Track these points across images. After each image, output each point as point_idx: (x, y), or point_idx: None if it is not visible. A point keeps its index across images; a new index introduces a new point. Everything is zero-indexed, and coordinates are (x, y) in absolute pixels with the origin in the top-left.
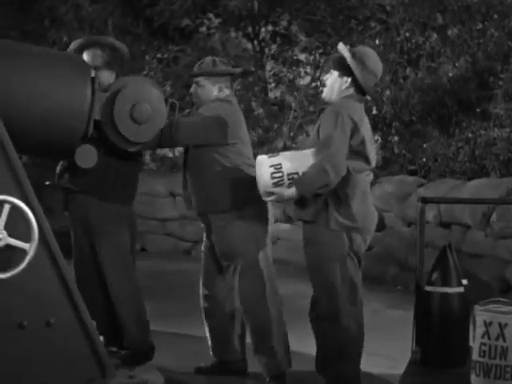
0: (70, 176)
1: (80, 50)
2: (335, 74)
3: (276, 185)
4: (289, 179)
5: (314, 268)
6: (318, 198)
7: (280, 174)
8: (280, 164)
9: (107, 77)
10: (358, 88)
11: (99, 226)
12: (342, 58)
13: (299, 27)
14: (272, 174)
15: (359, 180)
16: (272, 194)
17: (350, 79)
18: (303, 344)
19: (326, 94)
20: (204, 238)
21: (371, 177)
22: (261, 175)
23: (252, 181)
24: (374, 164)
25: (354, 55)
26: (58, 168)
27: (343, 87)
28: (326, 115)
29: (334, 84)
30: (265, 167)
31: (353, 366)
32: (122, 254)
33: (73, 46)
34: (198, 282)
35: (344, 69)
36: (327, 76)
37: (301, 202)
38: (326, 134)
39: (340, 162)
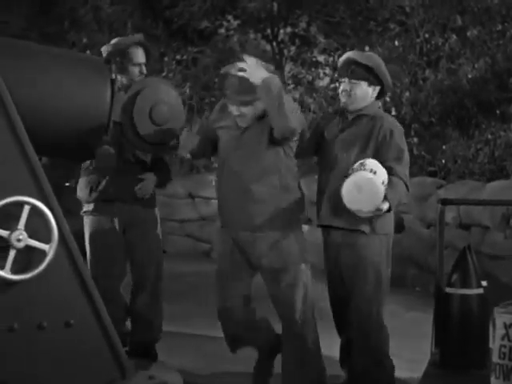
0: (116, 189)
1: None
2: (364, 83)
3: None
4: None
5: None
6: None
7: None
8: (383, 179)
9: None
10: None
11: (147, 231)
12: (368, 67)
13: (318, 29)
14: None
15: None
16: (379, 209)
17: (378, 87)
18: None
19: (357, 104)
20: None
21: None
22: (377, 193)
23: None
24: None
25: (379, 64)
26: (103, 183)
27: (374, 95)
28: (392, 130)
29: (365, 94)
30: (378, 184)
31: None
32: (161, 254)
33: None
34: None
35: (372, 78)
36: (350, 87)
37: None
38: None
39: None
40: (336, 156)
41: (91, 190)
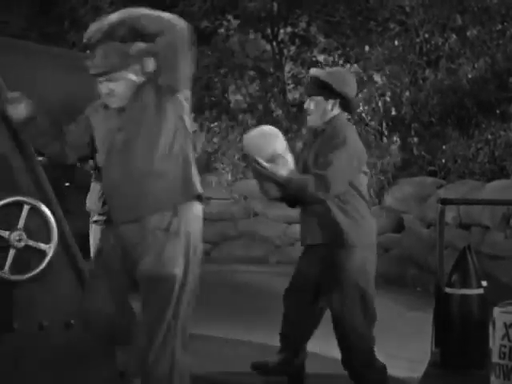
0: None
1: None
2: (319, 98)
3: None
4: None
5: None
6: None
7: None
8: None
9: None
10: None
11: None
12: (324, 83)
13: (318, 28)
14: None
15: None
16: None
17: (337, 101)
18: (323, 344)
19: (316, 119)
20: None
21: None
22: (276, 136)
23: None
24: None
25: (336, 78)
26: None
27: (335, 109)
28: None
29: (321, 109)
30: (280, 135)
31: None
32: None
33: None
34: (218, 283)
35: (328, 92)
36: (308, 103)
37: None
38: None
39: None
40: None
41: (104, 204)
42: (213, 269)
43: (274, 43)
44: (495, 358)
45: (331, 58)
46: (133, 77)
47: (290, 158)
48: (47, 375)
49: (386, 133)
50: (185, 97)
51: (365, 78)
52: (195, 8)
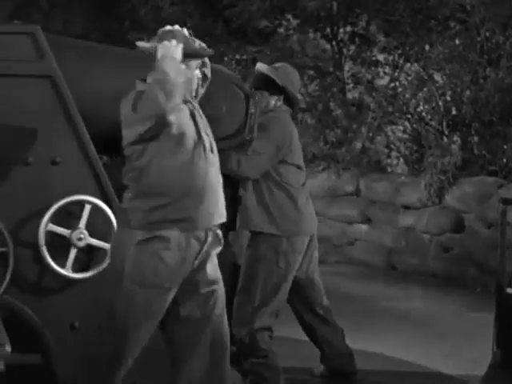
0: None
1: None
2: (264, 93)
3: None
4: None
5: None
6: None
7: None
8: None
9: None
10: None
11: None
12: (269, 78)
13: (378, 27)
14: None
15: None
16: None
17: (281, 97)
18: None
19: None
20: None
21: None
22: None
23: None
24: None
25: (281, 74)
26: None
27: (278, 104)
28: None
29: (267, 104)
30: None
31: None
32: None
33: None
34: None
35: (273, 88)
36: None
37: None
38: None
39: None
40: None
41: None
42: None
43: (334, 42)
44: None
45: (391, 57)
46: None
47: None
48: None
49: (446, 132)
50: None
51: (425, 77)
52: (254, 7)
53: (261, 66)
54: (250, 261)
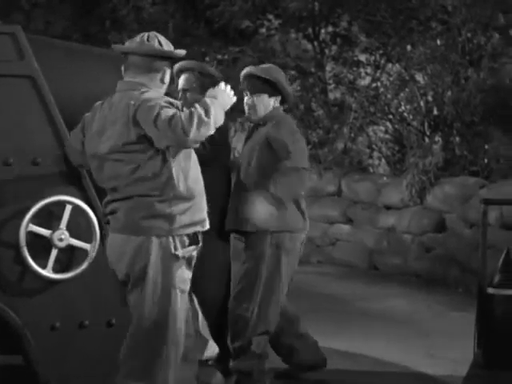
0: None
1: (178, 73)
2: (264, 96)
3: None
4: None
5: None
6: None
7: None
8: None
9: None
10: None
11: None
12: (266, 80)
13: (359, 28)
14: None
15: None
16: None
17: (279, 97)
18: (365, 344)
19: (260, 114)
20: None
21: None
22: None
23: None
24: None
25: (277, 76)
26: None
27: (277, 105)
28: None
29: (266, 106)
30: None
31: None
32: None
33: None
34: None
35: (272, 89)
36: (253, 100)
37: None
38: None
39: None
40: (240, 164)
41: None
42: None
43: (315, 43)
44: None
45: (373, 58)
46: None
47: None
48: (86, 374)
49: (428, 132)
50: None
51: (406, 78)
52: (236, 8)
53: (255, 70)
54: (251, 261)
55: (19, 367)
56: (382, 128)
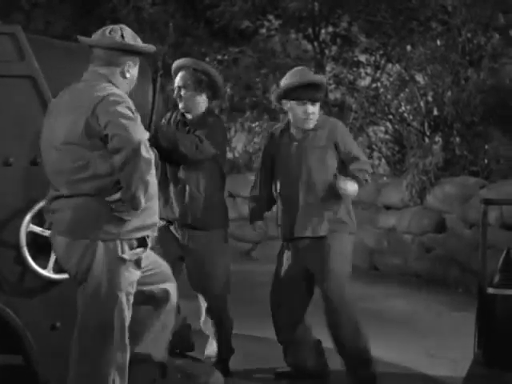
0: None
1: (175, 72)
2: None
3: None
4: None
5: None
6: None
7: None
8: None
9: (193, 97)
10: None
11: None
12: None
13: (359, 28)
14: None
15: None
16: None
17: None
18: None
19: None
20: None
21: None
22: None
23: None
24: None
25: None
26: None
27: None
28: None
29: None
30: None
31: None
32: None
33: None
34: (259, 282)
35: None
36: (314, 108)
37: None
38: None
39: None
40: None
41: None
42: (254, 268)
43: (316, 43)
44: None
45: (373, 58)
46: None
47: None
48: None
49: (428, 133)
50: None
51: (407, 78)
52: (236, 8)
53: (322, 78)
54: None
55: (19, 367)
56: (382, 128)
